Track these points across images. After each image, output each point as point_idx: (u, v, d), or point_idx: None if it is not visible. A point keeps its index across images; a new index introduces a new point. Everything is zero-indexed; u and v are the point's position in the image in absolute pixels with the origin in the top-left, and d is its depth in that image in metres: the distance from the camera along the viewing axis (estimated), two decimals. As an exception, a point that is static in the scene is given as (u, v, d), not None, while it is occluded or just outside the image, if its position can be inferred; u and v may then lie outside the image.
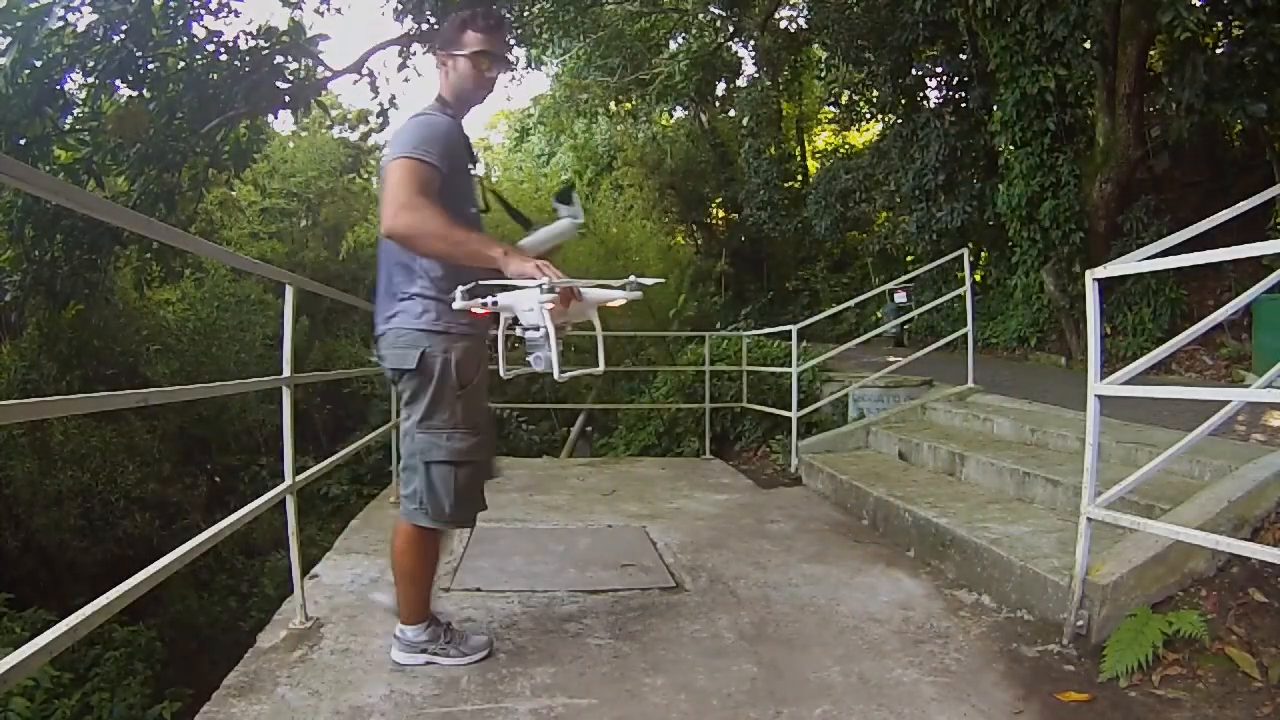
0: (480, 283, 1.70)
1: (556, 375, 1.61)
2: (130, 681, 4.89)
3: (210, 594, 7.13)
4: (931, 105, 11.13)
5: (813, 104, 17.01)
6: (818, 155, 16.71)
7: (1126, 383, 2.15)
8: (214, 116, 7.43)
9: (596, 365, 1.82)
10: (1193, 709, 1.84)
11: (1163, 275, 6.89)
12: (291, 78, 8.06)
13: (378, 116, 15.31)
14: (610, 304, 1.79)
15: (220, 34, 7.51)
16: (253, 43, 7.63)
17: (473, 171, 2.02)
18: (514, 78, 15.36)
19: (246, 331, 9.53)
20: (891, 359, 5.85)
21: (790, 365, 5.14)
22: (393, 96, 13.77)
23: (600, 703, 1.90)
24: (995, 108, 7.85)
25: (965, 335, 5.19)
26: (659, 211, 15.26)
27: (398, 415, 4.28)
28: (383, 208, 1.72)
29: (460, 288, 1.70)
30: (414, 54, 9.99)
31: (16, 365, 7.65)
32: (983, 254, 11.00)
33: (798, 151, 16.46)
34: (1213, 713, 1.82)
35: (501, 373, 1.80)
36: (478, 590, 2.66)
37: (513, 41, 10.78)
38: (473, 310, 1.70)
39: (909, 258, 12.11)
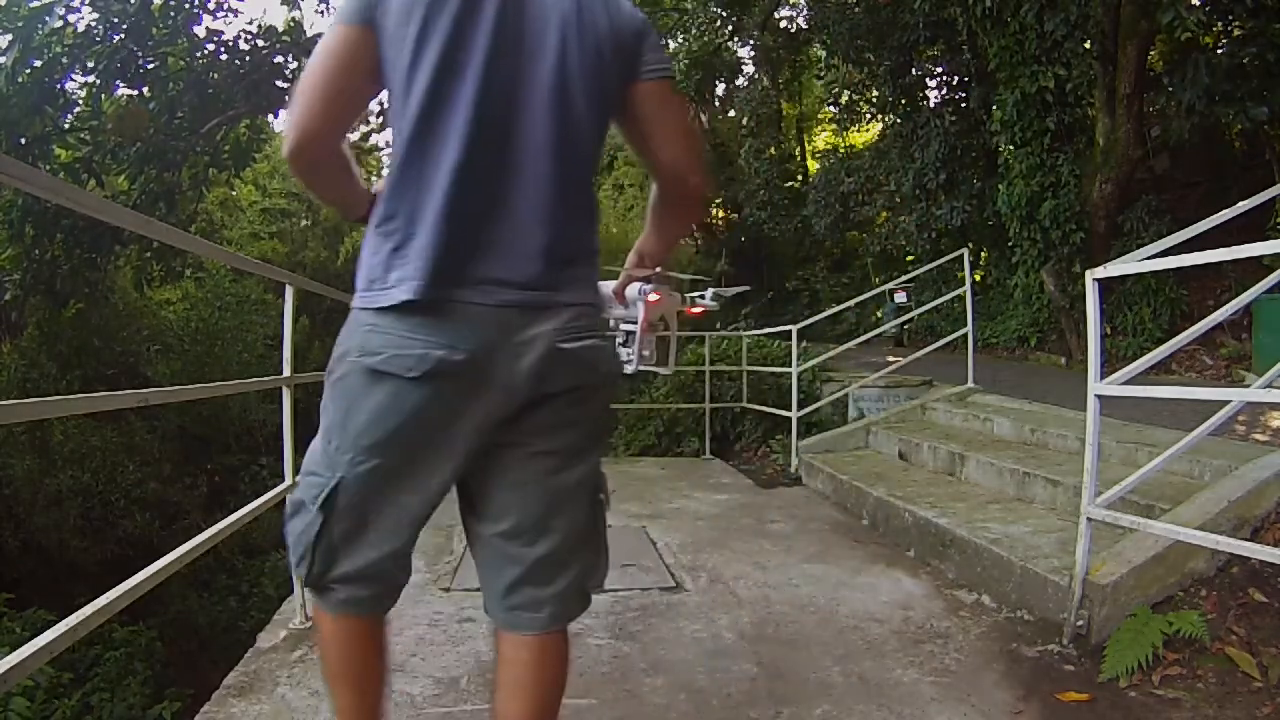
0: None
1: (633, 369, 1.48)
2: (130, 681, 4.89)
3: (210, 594, 7.14)
4: (931, 105, 11.14)
5: (813, 104, 17.01)
6: (818, 155, 16.69)
7: (1126, 383, 2.15)
8: (214, 116, 7.44)
9: (664, 366, 1.65)
10: (1193, 709, 1.84)
11: (1163, 275, 6.89)
12: (291, 77, 8.06)
13: (377, 116, 15.38)
14: (690, 311, 1.69)
15: (220, 33, 7.54)
16: (252, 42, 7.65)
17: None
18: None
19: (247, 331, 9.54)
20: (891, 359, 5.85)
21: (790, 365, 5.14)
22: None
23: (600, 703, 1.90)
24: (995, 107, 7.85)
25: (965, 335, 5.19)
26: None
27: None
28: (684, 149, 1.19)
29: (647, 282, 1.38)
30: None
31: (16, 365, 7.65)
32: (983, 254, 11.00)
33: (798, 151, 16.46)
34: (1213, 713, 1.81)
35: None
36: (478, 590, 2.64)
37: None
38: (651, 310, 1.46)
39: (909, 257, 12.11)
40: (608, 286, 1.40)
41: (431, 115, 1.04)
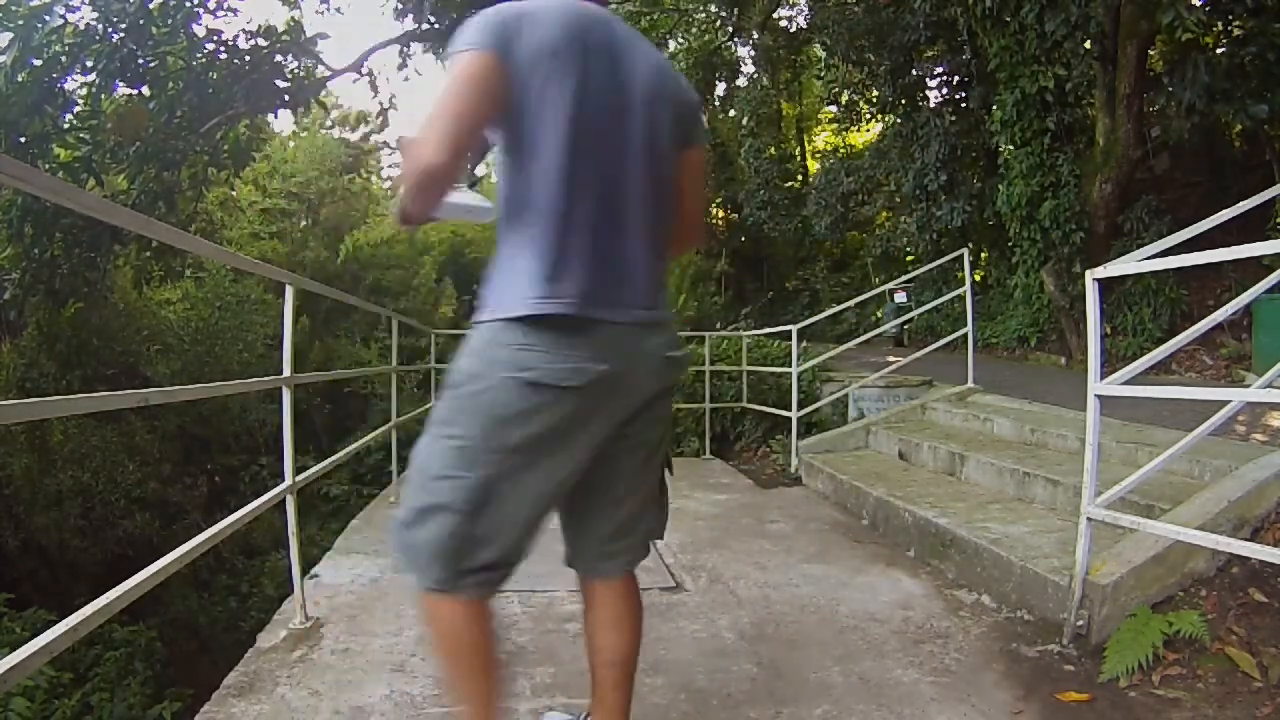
0: None
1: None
2: (130, 681, 4.88)
3: (210, 594, 7.13)
4: (931, 105, 11.14)
5: (813, 104, 17.01)
6: (818, 155, 16.71)
7: (1126, 383, 2.15)
8: (214, 115, 7.43)
9: None
10: (1193, 709, 1.84)
11: (1163, 275, 6.89)
12: (291, 77, 8.06)
13: (377, 116, 15.38)
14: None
15: (220, 33, 7.52)
16: (252, 41, 7.64)
17: None
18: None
19: (247, 331, 9.53)
20: (891, 359, 5.86)
21: (790, 365, 5.14)
22: (392, 96, 13.78)
23: (600, 703, 1.90)
24: (995, 107, 7.85)
25: (965, 335, 5.19)
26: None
27: (397, 414, 4.27)
28: (702, 203, 1.60)
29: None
30: (413, 54, 10.01)
31: (16, 364, 7.65)
32: (983, 254, 11.00)
33: (798, 151, 16.46)
34: (1213, 713, 1.81)
35: None
36: (478, 590, 2.66)
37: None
38: None
39: (909, 257, 12.12)
40: None
41: (568, 164, 1.21)
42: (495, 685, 1.35)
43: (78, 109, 7.22)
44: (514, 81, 1.18)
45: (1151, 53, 7.99)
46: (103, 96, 7.16)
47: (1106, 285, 2.55)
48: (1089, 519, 2.15)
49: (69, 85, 7.08)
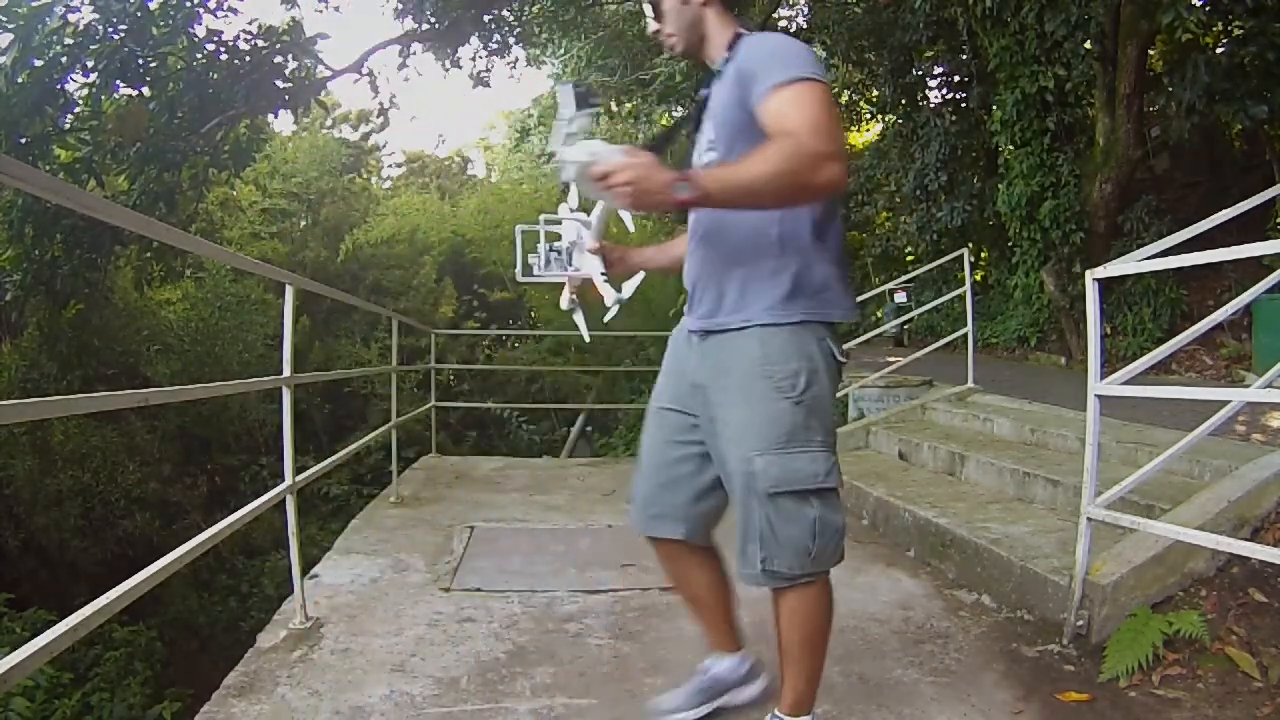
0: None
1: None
2: (130, 681, 4.89)
3: (210, 594, 7.15)
4: (931, 105, 11.14)
5: (813, 104, 16.98)
6: (818, 155, 16.67)
7: (1126, 383, 2.15)
8: (214, 116, 7.44)
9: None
10: (1193, 709, 1.84)
11: (1163, 275, 6.89)
12: (291, 77, 8.07)
13: (377, 116, 15.41)
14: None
15: (220, 33, 7.53)
16: (252, 42, 7.64)
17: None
18: (512, 76, 15.40)
19: (247, 331, 9.55)
20: (891, 359, 5.85)
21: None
22: (393, 96, 13.80)
23: (600, 703, 1.90)
24: (995, 107, 7.85)
25: (965, 335, 5.19)
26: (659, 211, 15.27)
27: (397, 414, 4.27)
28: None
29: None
30: (413, 54, 10.01)
31: (16, 365, 7.66)
32: (983, 254, 11.00)
33: (798, 151, 16.43)
34: (1213, 713, 1.81)
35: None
36: (478, 590, 2.66)
37: (512, 41, 10.82)
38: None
39: (909, 257, 12.11)
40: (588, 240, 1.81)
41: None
42: None
43: (78, 110, 7.23)
44: None
45: (1151, 53, 7.99)
46: (103, 97, 7.17)
47: (1106, 285, 2.55)
48: (1089, 519, 2.15)
49: (69, 86, 7.09)
